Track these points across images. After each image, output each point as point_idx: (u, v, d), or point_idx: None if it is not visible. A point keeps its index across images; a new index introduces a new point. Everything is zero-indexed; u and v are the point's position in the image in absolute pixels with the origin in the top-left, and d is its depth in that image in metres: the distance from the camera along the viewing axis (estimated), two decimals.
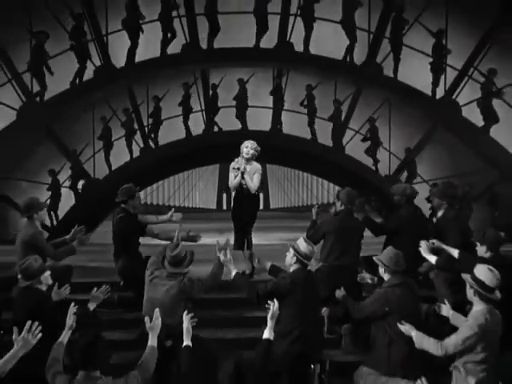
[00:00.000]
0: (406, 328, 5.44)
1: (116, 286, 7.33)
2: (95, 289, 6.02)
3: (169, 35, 14.68)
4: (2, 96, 14.09)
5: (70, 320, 4.99)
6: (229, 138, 14.42)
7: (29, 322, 4.49)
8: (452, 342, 5.11)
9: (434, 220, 7.89)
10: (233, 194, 8.18)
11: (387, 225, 7.66)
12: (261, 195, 8.82)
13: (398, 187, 7.85)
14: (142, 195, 14.51)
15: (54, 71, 14.21)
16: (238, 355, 4.88)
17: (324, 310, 6.77)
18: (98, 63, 14.74)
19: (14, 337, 4.46)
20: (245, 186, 7.85)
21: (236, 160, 7.97)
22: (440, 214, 7.47)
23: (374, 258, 6.09)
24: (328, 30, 14.71)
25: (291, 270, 6.02)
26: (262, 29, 14.62)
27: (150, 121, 15.60)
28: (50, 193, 14.87)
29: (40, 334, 4.49)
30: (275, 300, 5.31)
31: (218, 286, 6.36)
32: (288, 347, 5.75)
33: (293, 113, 15.57)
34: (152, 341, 4.90)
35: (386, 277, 5.96)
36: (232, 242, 6.82)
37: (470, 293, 5.24)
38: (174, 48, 14.87)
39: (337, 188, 15.05)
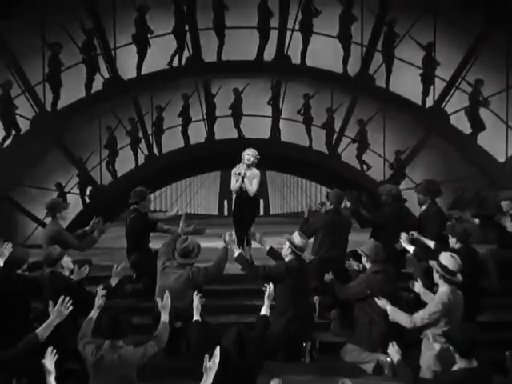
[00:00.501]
0: (382, 302, 6.26)
1: (129, 279, 7.92)
2: (115, 266, 6.68)
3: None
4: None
5: (100, 300, 5.60)
6: (229, 146, 14.86)
7: (61, 297, 5.23)
8: (420, 315, 5.94)
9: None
10: (234, 196, 8.87)
11: (372, 219, 8.29)
12: (261, 201, 9.50)
13: (384, 188, 8.55)
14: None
15: (65, 83, 14.69)
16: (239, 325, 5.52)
17: (316, 298, 7.56)
18: (106, 75, 15.18)
19: (49, 309, 5.24)
20: (244, 190, 8.51)
21: (238, 166, 8.60)
22: (423, 208, 8.14)
23: (357, 248, 6.94)
24: (322, 43, 15.13)
25: (287, 259, 6.91)
26: (265, 42, 15.14)
27: (153, 130, 15.93)
28: None
29: (71, 307, 5.23)
30: (271, 283, 6.13)
31: (222, 275, 7.02)
32: (284, 327, 6.59)
33: (291, 121, 15.90)
34: (164, 317, 5.59)
35: (367, 265, 6.82)
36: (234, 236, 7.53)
37: (436, 276, 6.04)
38: (175, 60, 15.33)
39: None
